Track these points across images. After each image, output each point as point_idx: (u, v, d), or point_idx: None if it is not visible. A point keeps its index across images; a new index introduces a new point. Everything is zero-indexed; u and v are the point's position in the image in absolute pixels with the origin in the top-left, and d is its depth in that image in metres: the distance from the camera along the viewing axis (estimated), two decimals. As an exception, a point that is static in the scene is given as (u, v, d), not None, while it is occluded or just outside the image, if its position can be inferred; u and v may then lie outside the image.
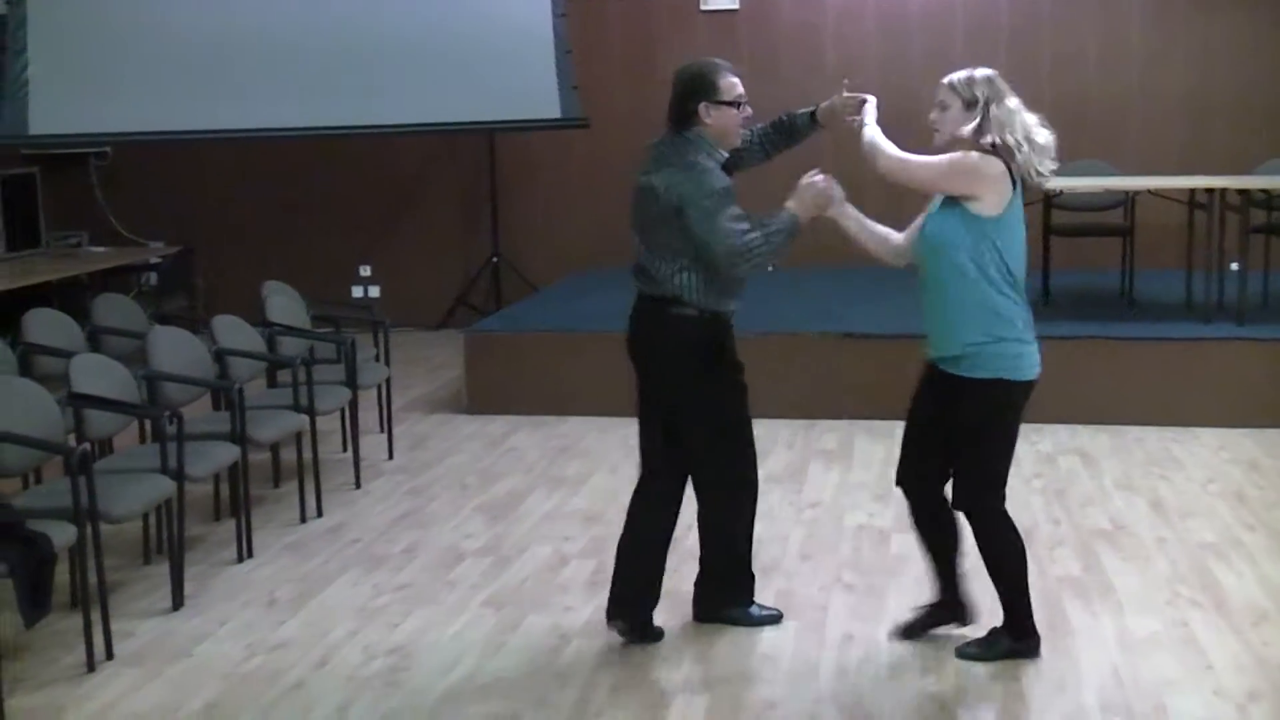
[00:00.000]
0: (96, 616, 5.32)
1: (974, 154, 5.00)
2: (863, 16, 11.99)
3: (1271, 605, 5.70)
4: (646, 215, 5.21)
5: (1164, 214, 10.18)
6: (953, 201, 5.08)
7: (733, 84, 5.26)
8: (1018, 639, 5.20)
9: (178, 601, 5.85)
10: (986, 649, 5.19)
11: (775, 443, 8.30)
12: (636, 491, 5.43)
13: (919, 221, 5.31)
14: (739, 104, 5.27)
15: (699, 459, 5.30)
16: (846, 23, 12.05)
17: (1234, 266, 9.22)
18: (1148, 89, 11.75)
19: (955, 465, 5.21)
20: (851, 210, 5.40)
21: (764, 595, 5.73)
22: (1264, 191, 9.54)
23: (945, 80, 5.18)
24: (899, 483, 5.43)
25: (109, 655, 5.33)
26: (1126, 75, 11.78)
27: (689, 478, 5.39)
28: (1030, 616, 5.21)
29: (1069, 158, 10.81)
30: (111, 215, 12.74)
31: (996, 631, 5.23)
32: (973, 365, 5.11)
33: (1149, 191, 10.01)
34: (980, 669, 5.10)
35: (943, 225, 5.11)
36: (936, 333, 5.22)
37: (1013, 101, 5.09)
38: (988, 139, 4.98)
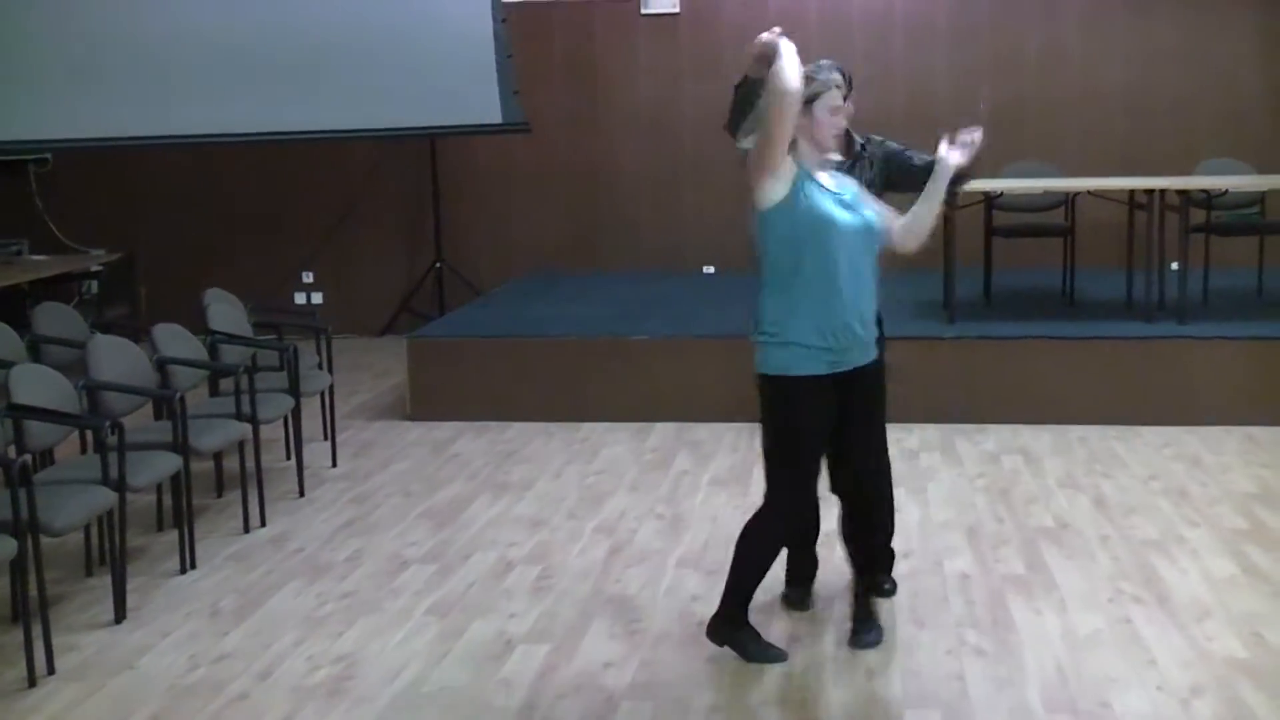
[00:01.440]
0: (37, 630, 5.26)
1: None
2: (804, 19, 12.02)
3: (1214, 601, 5.75)
4: None
5: (1104, 214, 10.25)
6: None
7: None
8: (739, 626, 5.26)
9: (120, 614, 5.80)
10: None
11: (720, 445, 8.31)
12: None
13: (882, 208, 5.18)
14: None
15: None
16: (787, 25, 11.88)
17: (1174, 266, 9.29)
18: (1087, 90, 11.84)
19: (868, 442, 5.28)
20: None
21: (709, 598, 5.73)
22: (1203, 191, 9.62)
23: (847, 73, 5.23)
24: (834, 490, 5.40)
25: (50, 670, 5.27)
26: (1066, 76, 11.87)
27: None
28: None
29: (1009, 159, 11.01)
30: (51, 223, 12.64)
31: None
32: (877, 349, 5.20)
33: (1089, 192, 10.08)
34: (926, 669, 5.12)
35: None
36: (870, 321, 5.12)
37: None
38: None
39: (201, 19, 10.84)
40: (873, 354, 5.17)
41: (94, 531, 6.34)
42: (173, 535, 6.64)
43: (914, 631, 5.50)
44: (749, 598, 5.25)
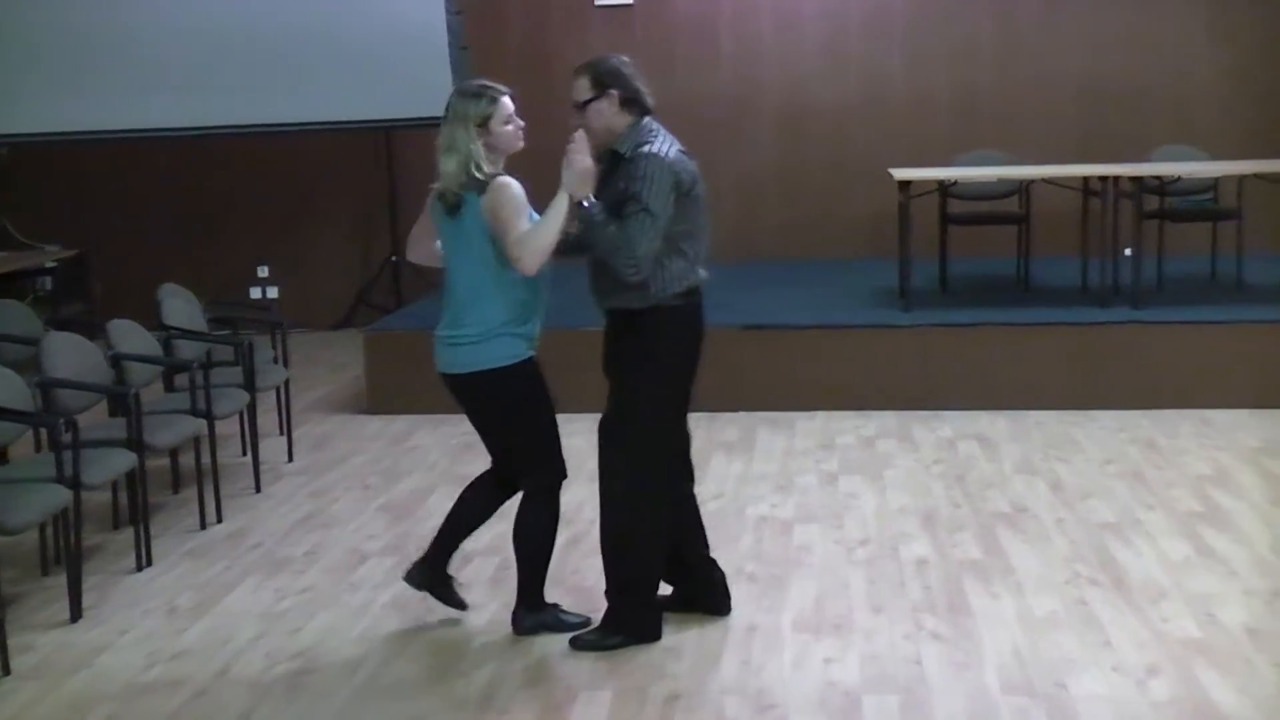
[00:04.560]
0: (-7, 630, 5.25)
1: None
2: (758, 10, 12.03)
3: (1170, 582, 5.79)
4: None
5: (1059, 201, 10.30)
6: None
7: None
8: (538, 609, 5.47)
9: (76, 613, 5.76)
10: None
11: (679, 436, 8.31)
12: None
13: None
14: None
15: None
16: (741, 16, 12.09)
17: (1128, 252, 9.34)
18: (1041, 78, 11.88)
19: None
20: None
21: (666, 587, 5.75)
22: (1157, 178, 9.69)
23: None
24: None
25: (6, 670, 5.24)
26: (1020, 65, 11.90)
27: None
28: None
29: (964, 148, 11.05)
30: (5, 219, 12.55)
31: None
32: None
33: (1044, 180, 10.12)
34: (884, 654, 5.14)
35: None
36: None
37: None
38: None
39: (154, 15, 10.79)
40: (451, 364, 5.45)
41: (49, 530, 6.29)
42: (129, 533, 6.61)
43: (871, 617, 5.52)
44: (543, 581, 5.47)
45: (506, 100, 5.27)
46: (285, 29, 10.93)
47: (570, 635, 5.34)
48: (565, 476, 5.48)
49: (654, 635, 5.31)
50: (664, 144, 5.10)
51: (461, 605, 5.62)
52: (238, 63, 10.76)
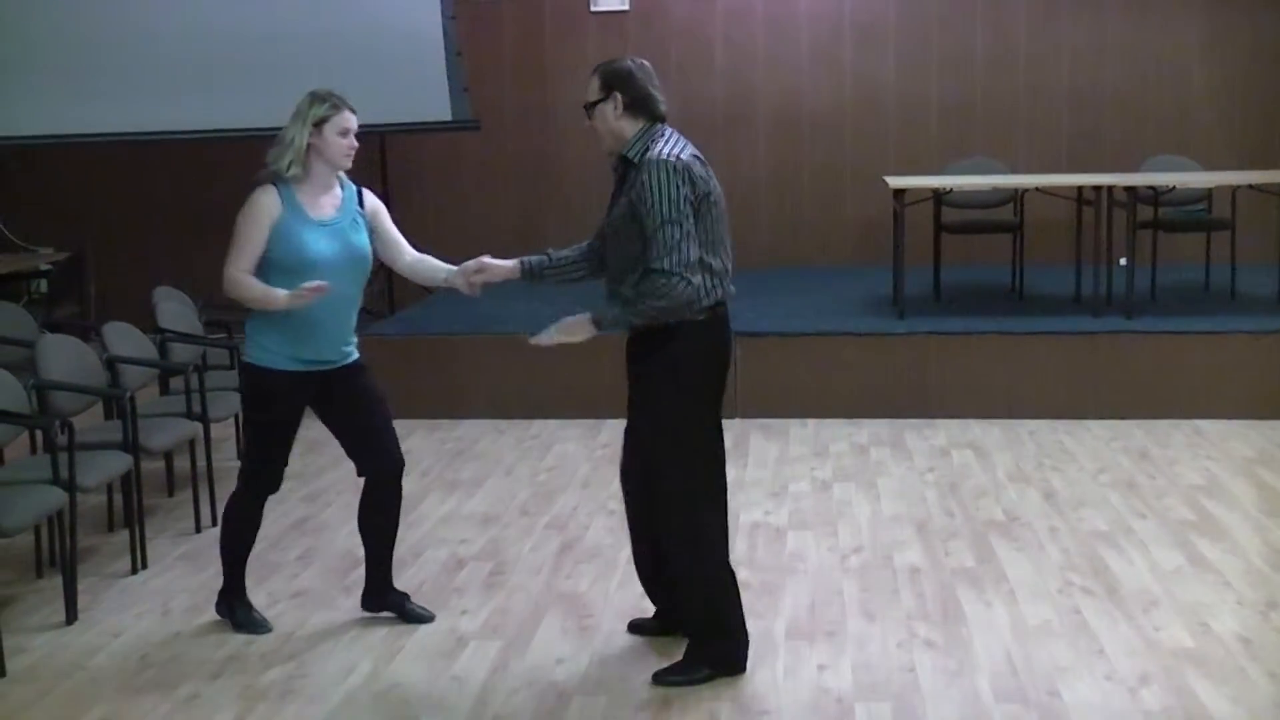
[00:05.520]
0: (-13, 632, 5.25)
1: None
2: (752, 16, 12.05)
3: (1162, 591, 5.80)
4: None
5: (1053, 210, 10.33)
6: None
7: None
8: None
9: (71, 615, 5.76)
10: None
11: (672, 442, 8.33)
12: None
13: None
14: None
15: None
16: (735, 23, 12.10)
17: (1122, 262, 9.36)
18: (1036, 87, 11.91)
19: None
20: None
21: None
22: (1150, 188, 9.70)
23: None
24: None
25: (1, 672, 5.24)
26: (1014, 74, 11.93)
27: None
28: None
29: (958, 156, 11.06)
30: (-1, 221, 12.56)
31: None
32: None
33: (1037, 189, 10.14)
34: (877, 662, 5.15)
35: None
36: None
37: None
38: None
39: (154, 18, 10.78)
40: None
41: (44, 532, 6.30)
42: (123, 535, 6.61)
43: (865, 624, 5.53)
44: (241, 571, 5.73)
45: (349, 114, 5.45)
46: (281, 34, 10.91)
47: (654, 672, 5.09)
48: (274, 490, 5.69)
49: (739, 666, 5.10)
50: (673, 146, 4.90)
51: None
52: (234, 67, 10.74)
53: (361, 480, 5.71)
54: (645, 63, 5.07)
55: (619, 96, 4.97)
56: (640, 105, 4.98)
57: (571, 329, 4.98)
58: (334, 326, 5.42)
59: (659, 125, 5.00)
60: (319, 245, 5.33)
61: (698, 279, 4.83)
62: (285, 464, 5.69)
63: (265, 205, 5.38)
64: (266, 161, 5.43)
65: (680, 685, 4.99)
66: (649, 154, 4.87)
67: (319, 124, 5.38)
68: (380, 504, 5.70)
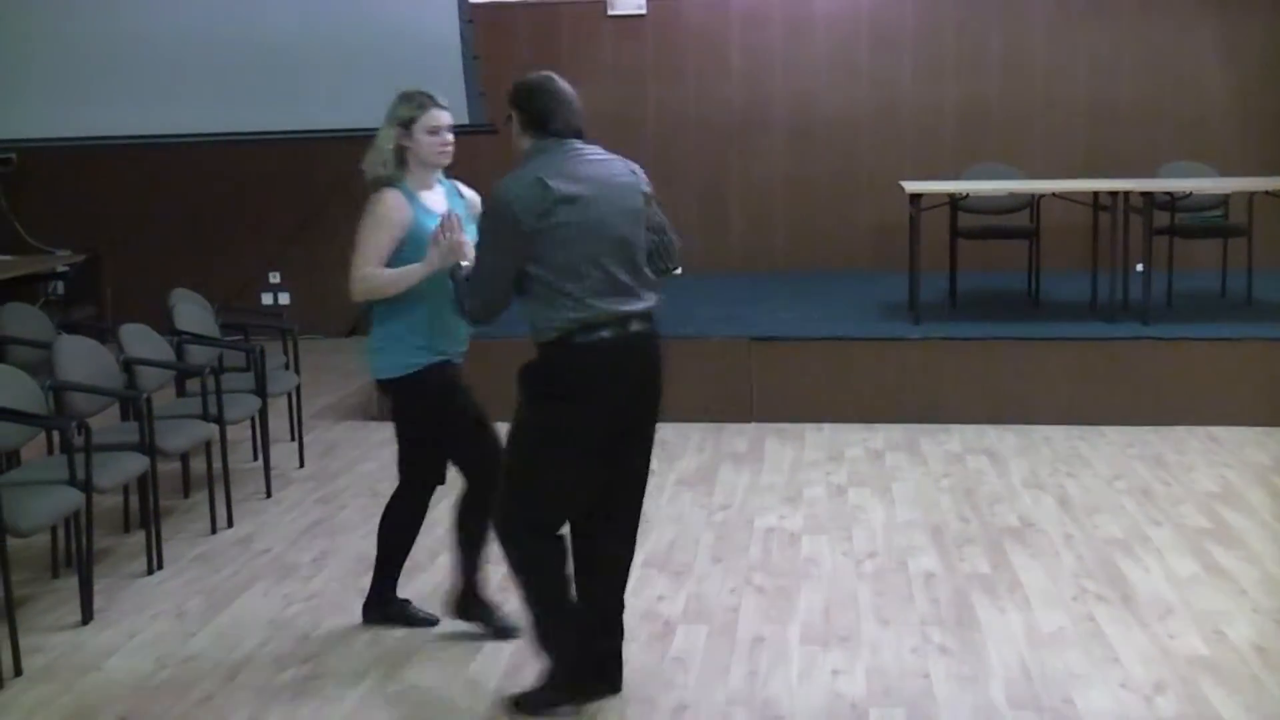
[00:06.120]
0: (4, 632, 5.28)
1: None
2: (768, 20, 12.05)
3: (1177, 599, 5.79)
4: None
5: (1069, 216, 10.32)
6: None
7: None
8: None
9: (87, 615, 5.79)
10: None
11: (686, 446, 8.34)
12: None
13: None
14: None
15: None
16: (752, 27, 12.10)
17: (1139, 268, 9.34)
18: (1052, 92, 11.89)
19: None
20: None
21: (675, 598, 5.78)
22: (1167, 194, 9.69)
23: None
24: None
25: (17, 671, 5.26)
26: (1030, 78, 11.92)
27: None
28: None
29: (974, 161, 11.06)
30: (17, 223, 12.58)
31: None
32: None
33: (1053, 194, 10.13)
34: (891, 667, 5.15)
35: None
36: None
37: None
38: None
39: (173, 21, 10.81)
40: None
41: (60, 532, 6.32)
42: (139, 536, 6.63)
43: (879, 629, 5.53)
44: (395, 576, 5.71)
45: (437, 112, 5.38)
46: (299, 37, 10.95)
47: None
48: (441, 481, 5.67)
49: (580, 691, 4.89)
50: (528, 170, 4.66)
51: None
52: (252, 70, 10.78)
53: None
54: (554, 76, 4.81)
55: (515, 115, 4.81)
56: (535, 123, 4.75)
57: (434, 258, 5.16)
58: (454, 315, 5.20)
59: (553, 142, 4.74)
60: None
61: (480, 320, 4.94)
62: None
63: (396, 206, 5.28)
64: (362, 168, 5.38)
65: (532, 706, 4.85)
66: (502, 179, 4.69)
67: (407, 124, 5.34)
68: (482, 502, 5.39)
